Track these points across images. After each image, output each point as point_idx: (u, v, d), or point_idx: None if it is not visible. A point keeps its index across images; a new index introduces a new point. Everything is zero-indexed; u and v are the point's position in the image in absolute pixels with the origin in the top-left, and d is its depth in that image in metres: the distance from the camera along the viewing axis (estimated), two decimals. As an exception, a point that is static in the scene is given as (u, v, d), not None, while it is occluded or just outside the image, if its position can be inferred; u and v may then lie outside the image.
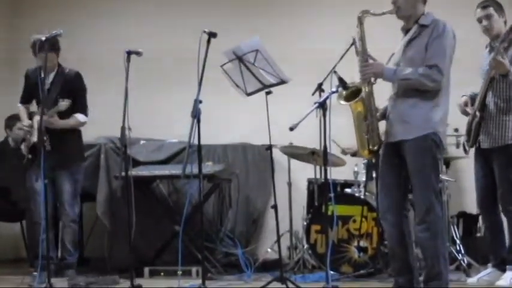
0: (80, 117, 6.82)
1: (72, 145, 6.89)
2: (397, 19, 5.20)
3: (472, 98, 6.14)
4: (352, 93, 5.17)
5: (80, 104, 6.81)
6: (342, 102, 5.17)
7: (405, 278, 5.16)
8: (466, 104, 6.15)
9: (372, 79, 5.13)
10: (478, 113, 6.00)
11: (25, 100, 6.97)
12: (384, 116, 5.24)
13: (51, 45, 6.41)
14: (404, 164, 5.06)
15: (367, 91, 5.12)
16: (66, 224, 6.90)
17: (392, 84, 5.15)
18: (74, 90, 6.79)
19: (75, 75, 6.86)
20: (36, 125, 6.59)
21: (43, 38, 5.90)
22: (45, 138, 6.25)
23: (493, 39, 6.07)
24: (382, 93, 5.27)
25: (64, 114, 6.67)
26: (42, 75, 6.55)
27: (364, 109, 5.12)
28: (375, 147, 5.12)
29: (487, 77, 5.95)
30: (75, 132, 6.91)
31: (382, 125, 5.21)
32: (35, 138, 6.60)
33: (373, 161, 5.27)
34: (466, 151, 6.21)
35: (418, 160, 4.99)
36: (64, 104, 6.46)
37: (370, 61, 5.13)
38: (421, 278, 5.16)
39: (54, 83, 6.78)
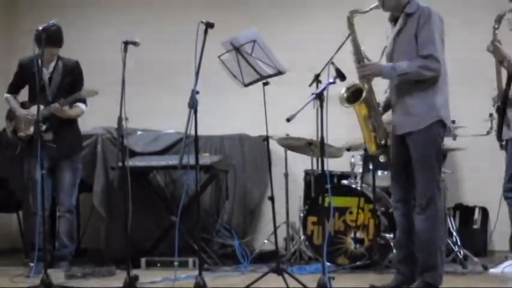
0: (82, 106, 6.88)
1: (73, 135, 6.97)
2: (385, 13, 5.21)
3: None
4: (353, 94, 5.17)
5: None
6: (346, 105, 5.17)
7: (407, 267, 5.18)
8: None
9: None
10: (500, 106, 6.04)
11: (14, 90, 6.96)
12: (386, 107, 5.28)
13: (58, 40, 6.58)
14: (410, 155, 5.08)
15: (367, 88, 5.13)
16: (61, 214, 6.90)
17: None
18: (75, 80, 6.85)
19: (75, 64, 6.89)
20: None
21: (40, 28, 5.87)
22: (44, 127, 6.36)
23: None
24: (379, 86, 5.28)
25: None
26: (42, 67, 6.50)
27: (367, 108, 5.15)
28: (382, 141, 5.15)
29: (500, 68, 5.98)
30: (75, 122, 6.97)
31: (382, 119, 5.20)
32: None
33: (381, 159, 5.29)
34: (501, 146, 6.20)
35: (421, 151, 5.02)
36: (85, 92, 6.55)
37: (366, 61, 5.13)
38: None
39: (55, 73, 6.79)
